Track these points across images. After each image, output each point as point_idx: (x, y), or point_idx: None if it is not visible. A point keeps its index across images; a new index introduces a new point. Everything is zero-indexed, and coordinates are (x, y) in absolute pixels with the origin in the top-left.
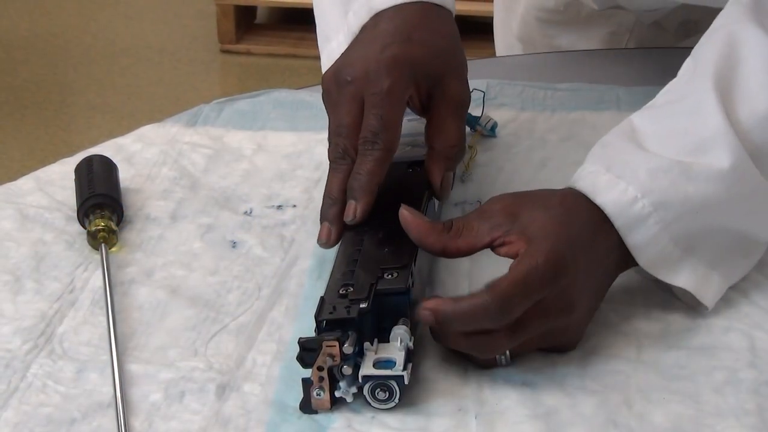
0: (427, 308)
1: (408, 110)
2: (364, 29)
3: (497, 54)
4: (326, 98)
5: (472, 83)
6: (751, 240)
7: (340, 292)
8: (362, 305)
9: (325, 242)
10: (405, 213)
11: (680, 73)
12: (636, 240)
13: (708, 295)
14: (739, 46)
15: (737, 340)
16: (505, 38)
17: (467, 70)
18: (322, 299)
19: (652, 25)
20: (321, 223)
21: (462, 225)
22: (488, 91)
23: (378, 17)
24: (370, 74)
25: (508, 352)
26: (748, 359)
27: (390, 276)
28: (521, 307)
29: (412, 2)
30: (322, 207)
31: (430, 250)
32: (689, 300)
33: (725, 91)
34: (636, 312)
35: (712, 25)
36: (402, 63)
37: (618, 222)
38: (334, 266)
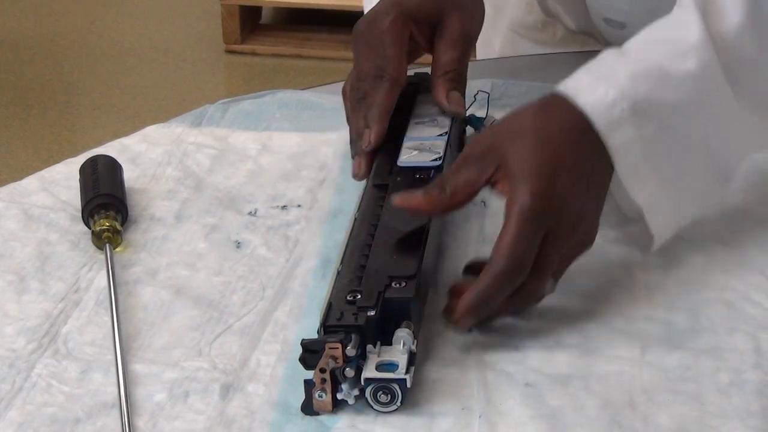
0: (462, 314)
1: (416, 113)
2: None
3: None
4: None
5: (476, 83)
6: (712, 164)
7: (348, 298)
8: (370, 313)
9: (356, 174)
10: (398, 202)
11: None
12: (614, 142)
13: (657, 224)
14: None
15: (742, 342)
16: (486, 56)
17: (476, 14)
18: (330, 304)
19: None
20: (353, 158)
21: (454, 183)
22: (493, 91)
23: None
24: (374, 21)
25: (551, 281)
26: (753, 360)
27: (398, 285)
28: (531, 254)
29: None
30: (351, 145)
31: (437, 217)
32: (638, 243)
33: (702, 5)
34: (640, 313)
35: None
36: (398, 6)
37: (598, 122)
38: (340, 270)
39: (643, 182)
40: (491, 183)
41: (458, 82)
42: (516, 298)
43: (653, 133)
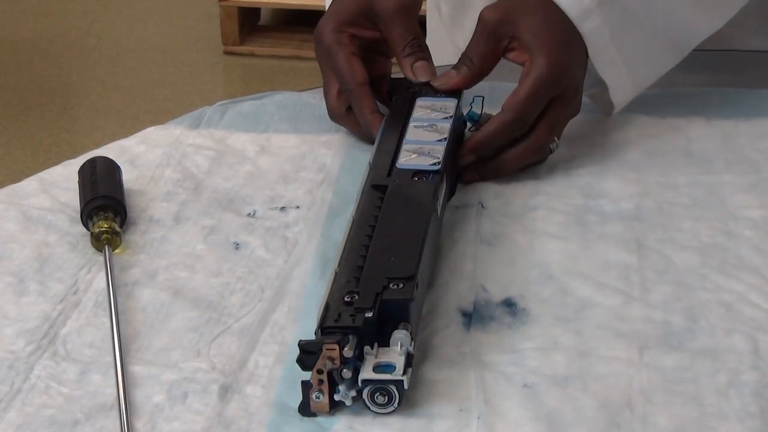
0: (467, 152)
1: (415, 117)
2: None
3: None
4: None
5: (475, 87)
6: (670, 44)
7: (346, 299)
8: (368, 314)
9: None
10: (439, 86)
11: None
12: (585, 29)
13: (619, 97)
14: None
15: (740, 343)
16: (449, 60)
17: None
18: (327, 305)
19: None
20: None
21: (479, 55)
22: (492, 92)
23: None
24: (319, 41)
25: (555, 138)
26: (751, 362)
27: (396, 286)
28: (534, 113)
29: None
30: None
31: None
32: (601, 105)
33: None
34: (637, 314)
35: None
36: (331, 15)
37: (571, 13)
38: (337, 270)
39: (610, 63)
40: (505, 51)
41: (419, 51)
42: (527, 154)
43: (618, 19)
